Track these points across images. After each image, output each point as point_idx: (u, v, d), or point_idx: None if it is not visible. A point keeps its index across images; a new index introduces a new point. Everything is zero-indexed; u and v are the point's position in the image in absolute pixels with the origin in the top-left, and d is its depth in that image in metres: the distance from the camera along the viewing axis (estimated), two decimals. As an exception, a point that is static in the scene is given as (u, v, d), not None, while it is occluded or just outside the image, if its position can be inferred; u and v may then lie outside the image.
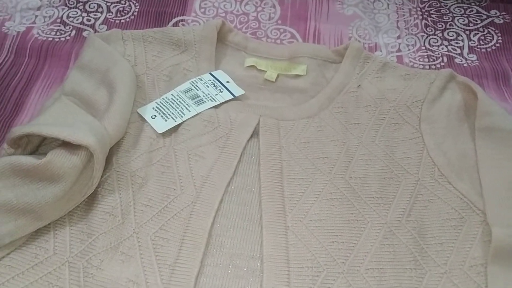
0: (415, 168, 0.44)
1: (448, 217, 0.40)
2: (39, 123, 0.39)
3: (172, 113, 0.47)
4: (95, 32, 0.58)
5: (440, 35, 0.59)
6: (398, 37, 0.60)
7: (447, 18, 0.61)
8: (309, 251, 0.38)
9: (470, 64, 0.56)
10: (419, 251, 0.38)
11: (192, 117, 0.47)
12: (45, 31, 0.58)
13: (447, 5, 0.63)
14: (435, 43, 0.59)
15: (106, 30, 0.59)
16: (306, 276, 0.36)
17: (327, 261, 0.37)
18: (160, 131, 0.45)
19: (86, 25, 0.60)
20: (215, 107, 0.48)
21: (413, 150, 0.45)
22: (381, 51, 0.58)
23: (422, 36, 0.59)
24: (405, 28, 0.61)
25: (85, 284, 0.35)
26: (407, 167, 0.44)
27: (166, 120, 0.46)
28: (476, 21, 0.61)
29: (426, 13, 0.62)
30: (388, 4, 0.64)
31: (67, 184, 0.37)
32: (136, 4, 0.63)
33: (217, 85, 0.50)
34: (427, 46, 0.58)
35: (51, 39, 0.57)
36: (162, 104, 0.48)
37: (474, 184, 0.42)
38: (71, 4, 0.62)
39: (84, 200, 0.40)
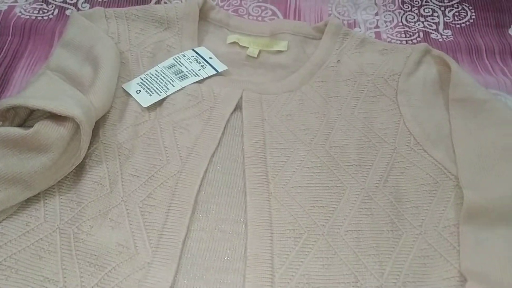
0: (392, 138, 0.46)
1: (423, 182, 0.42)
2: (25, 96, 0.40)
3: (157, 88, 0.48)
4: (78, 11, 0.58)
5: (416, 11, 0.61)
6: (376, 14, 0.61)
7: (423, -5, 0.63)
8: (291, 215, 0.40)
9: (445, 39, 0.58)
10: (396, 214, 0.40)
11: (176, 91, 0.48)
12: (27, 10, 0.58)
13: (423, -17, 0.65)
14: (412, 19, 0.61)
15: (89, 9, 0.59)
16: (288, 238, 0.38)
17: (308, 224, 0.39)
18: (145, 105, 0.46)
19: (68, 3, 0.60)
20: (199, 82, 0.49)
21: (390, 120, 0.47)
22: (359, 27, 0.60)
23: (399, 12, 0.61)
24: (383, 5, 0.62)
25: (76, 248, 0.36)
26: (385, 136, 0.46)
27: (150, 95, 0.47)
28: (451, -2, 0.63)
29: (403, -9, 0.64)
30: (366, -18, 0.65)
31: (55, 154, 0.38)
32: (119, -17, 0.63)
33: (200, 61, 0.51)
34: (404, 22, 0.60)
35: (34, 17, 0.57)
36: (146, 79, 0.49)
37: (448, 152, 0.44)
38: (52, -17, 0.62)
39: (72, 171, 0.41)
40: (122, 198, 0.40)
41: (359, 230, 0.39)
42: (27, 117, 0.43)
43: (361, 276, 0.36)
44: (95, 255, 0.36)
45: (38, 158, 0.37)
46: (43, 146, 0.37)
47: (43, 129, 0.37)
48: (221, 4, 0.62)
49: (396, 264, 0.37)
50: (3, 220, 0.37)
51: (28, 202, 0.39)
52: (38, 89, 0.41)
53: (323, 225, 0.39)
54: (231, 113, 0.47)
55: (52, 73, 0.44)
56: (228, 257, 0.37)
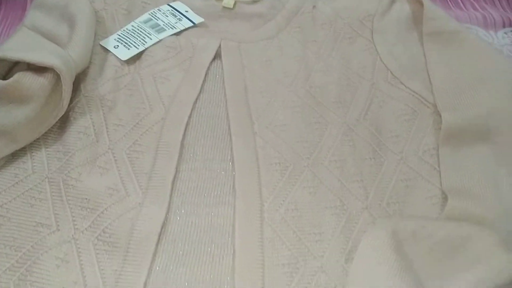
0: (369, 74, 0.47)
1: (402, 113, 0.44)
2: (3, 49, 0.39)
3: (134, 42, 0.48)
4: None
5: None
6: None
7: None
8: (276, 151, 0.41)
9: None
10: (377, 143, 0.42)
11: (154, 44, 0.48)
12: (-4, -23, 0.57)
13: None
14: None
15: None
16: (275, 171, 0.39)
17: (293, 157, 0.40)
18: (124, 58, 0.46)
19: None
20: (176, 34, 0.49)
21: (367, 59, 0.48)
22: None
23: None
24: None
25: (66, 194, 0.37)
26: (363, 74, 0.47)
27: (128, 49, 0.47)
28: None
29: None
30: None
31: (36, 104, 0.38)
32: None
33: (176, 15, 0.51)
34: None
35: (3, -16, 0.56)
36: (124, 35, 0.49)
37: (424, 83, 0.46)
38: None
39: (56, 123, 0.41)
40: (108, 146, 0.40)
41: (342, 160, 0.40)
42: (6, 74, 0.42)
43: (346, 200, 0.37)
44: (86, 199, 0.36)
45: (21, 109, 0.37)
46: (24, 97, 0.38)
47: (23, 79, 0.37)
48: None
49: (380, 188, 0.38)
50: (-9, 174, 0.38)
51: (14, 156, 0.39)
52: (16, 43, 0.41)
53: (308, 157, 0.40)
54: (211, 62, 0.47)
55: (29, 30, 0.44)
56: (217, 192, 0.38)
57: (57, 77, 0.39)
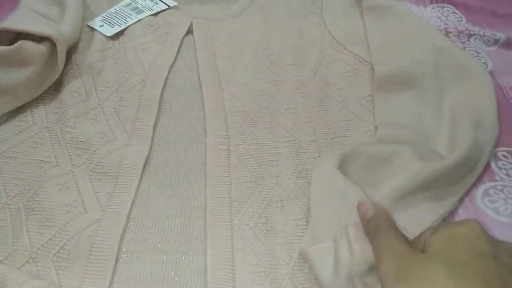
0: (319, 43, 0.56)
1: (345, 71, 0.52)
2: (6, 22, 0.46)
3: (117, 21, 0.56)
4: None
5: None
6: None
7: None
8: (240, 102, 0.48)
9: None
10: (324, 95, 0.50)
11: (134, 23, 0.56)
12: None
13: None
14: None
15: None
16: (239, 117, 0.47)
17: (254, 107, 0.48)
18: (109, 35, 0.54)
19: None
20: (153, 15, 0.57)
21: (317, 31, 0.57)
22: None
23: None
24: None
25: (63, 138, 0.43)
26: (313, 43, 0.56)
27: (112, 27, 0.55)
28: None
29: None
30: None
31: (36, 68, 0.45)
32: None
33: (153, -1, 0.59)
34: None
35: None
36: (108, 16, 0.56)
37: (363, 47, 0.54)
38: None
39: (52, 86, 0.48)
40: (98, 103, 0.47)
41: (295, 108, 0.48)
42: (9, 44, 0.49)
43: (298, 136, 0.45)
44: (81, 141, 0.43)
45: (22, 71, 0.45)
46: (25, 61, 0.45)
47: (25, 45, 0.44)
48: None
49: (326, 127, 0.47)
50: (-4, 126, 0.45)
51: (16, 112, 0.46)
52: (17, 18, 0.48)
53: (267, 106, 0.48)
54: (184, 36, 0.55)
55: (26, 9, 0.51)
56: (192, 134, 0.46)
57: (53, 46, 0.46)
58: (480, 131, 0.43)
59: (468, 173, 0.42)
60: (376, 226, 0.32)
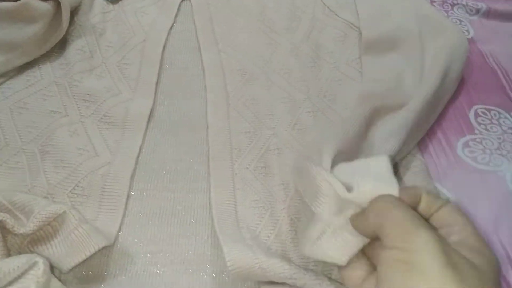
0: (311, 10, 0.59)
1: (336, 35, 0.56)
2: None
3: (117, -14, 0.58)
4: None
5: None
6: None
7: None
8: (237, 62, 0.51)
9: None
10: (317, 56, 0.53)
11: (134, -13, 0.58)
12: None
13: None
14: None
15: None
16: (237, 75, 0.50)
17: (250, 67, 0.51)
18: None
19: None
20: (152, -18, 0.60)
21: (309, 0, 0.60)
22: None
23: None
24: None
25: (71, 91, 0.46)
26: (305, 9, 0.59)
27: (113, -9, 0.57)
28: None
29: None
30: None
31: (42, 24, 0.47)
32: None
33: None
34: None
35: None
36: (108, -19, 0.58)
37: (353, 14, 0.57)
38: None
39: (57, 45, 0.50)
40: (102, 61, 0.50)
41: (289, 69, 0.51)
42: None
43: (293, 93, 0.49)
44: (88, 94, 0.46)
45: (30, 27, 0.46)
46: (32, 17, 0.47)
47: (31, 2, 0.46)
48: None
49: (318, 85, 0.50)
50: (7, 80, 0.46)
51: (24, 68, 0.48)
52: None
53: (262, 67, 0.51)
54: (181, 2, 0.58)
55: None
56: (192, 90, 0.48)
57: (57, 5, 0.48)
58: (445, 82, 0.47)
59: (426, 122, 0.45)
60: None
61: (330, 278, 0.32)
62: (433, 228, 0.27)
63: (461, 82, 0.53)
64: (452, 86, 0.48)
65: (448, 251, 0.25)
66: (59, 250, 0.32)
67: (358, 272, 0.29)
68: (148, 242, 0.36)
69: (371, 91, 0.46)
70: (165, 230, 0.37)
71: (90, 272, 0.34)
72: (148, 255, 0.35)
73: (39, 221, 0.31)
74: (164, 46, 0.52)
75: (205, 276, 0.34)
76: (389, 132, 0.40)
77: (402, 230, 0.26)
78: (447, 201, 0.30)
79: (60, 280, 0.33)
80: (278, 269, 0.31)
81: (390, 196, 0.29)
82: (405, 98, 0.46)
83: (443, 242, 0.25)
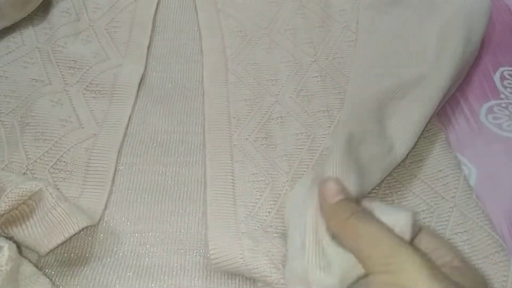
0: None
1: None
2: None
3: None
4: None
5: None
6: None
7: None
8: (237, 22, 0.46)
9: None
10: (326, 16, 0.47)
11: None
12: None
13: None
14: None
15: None
16: (237, 37, 0.45)
17: (252, 27, 0.46)
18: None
19: None
20: None
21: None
22: None
23: None
24: None
25: (55, 58, 0.42)
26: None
27: None
28: None
29: None
30: None
31: (22, -16, 0.43)
32: None
33: None
34: None
35: None
36: None
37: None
38: None
39: (40, 7, 0.45)
40: (89, 24, 0.45)
41: (295, 28, 0.47)
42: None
43: (298, 56, 0.44)
44: (73, 61, 0.42)
45: (8, -13, 0.42)
46: (10, -24, 0.42)
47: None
48: None
49: (327, 47, 0.45)
50: (-16, 47, 0.43)
51: (4, 34, 0.44)
52: None
53: (266, 27, 0.47)
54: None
55: None
56: (187, 53, 0.44)
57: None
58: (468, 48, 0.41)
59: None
60: (353, 211, 0.26)
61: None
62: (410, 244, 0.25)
63: (486, 42, 0.48)
64: (475, 50, 0.43)
65: (434, 266, 0.24)
66: (36, 231, 0.29)
67: None
68: (137, 221, 0.33)
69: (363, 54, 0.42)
70: (155, 207, 0.33)
71: (72, 254, 0.31)
72: (136, 234, 0.32)
73: (12, 200, 0.28)
74: (157, 7, 0.47)
75: (198, 257, 0.31)
76: (409, 122, 0.36)
77: (383, 253, 0.24)
78: (422, 226, 0.28)
79: (39, 263, 0.30)
80: (264, 272, 0.28)
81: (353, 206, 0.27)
82: (417, 63, 0.41)
83: (426, 257, 0.24)
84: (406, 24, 0.43)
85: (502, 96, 0.43)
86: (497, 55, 0.47)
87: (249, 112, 0.39)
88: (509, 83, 0.45)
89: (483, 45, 0.48)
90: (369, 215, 0.26)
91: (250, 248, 0.29)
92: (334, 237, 0.26)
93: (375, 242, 0.24)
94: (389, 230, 0.25)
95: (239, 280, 0.30)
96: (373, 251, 0.24)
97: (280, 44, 0.45)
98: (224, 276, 0.30)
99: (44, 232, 0.29)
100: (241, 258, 0.29)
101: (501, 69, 0.46)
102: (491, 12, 0.45)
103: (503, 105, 0.43)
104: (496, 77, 0.45)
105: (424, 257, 0.24)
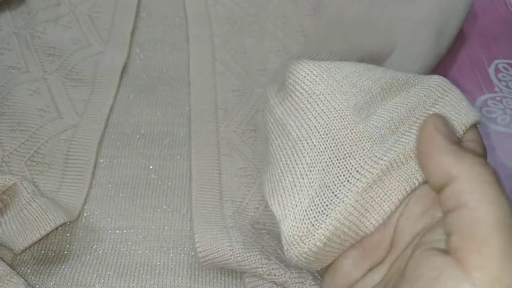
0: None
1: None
2: None
3: None
4: None
5: None
6: None
7: None
8: (225, 8, 0.45)
9: None
10: (317, 2, 0.46)
11: None
12: None
13: None
14: None
15: None
16: (225, 25, 0.43)
17: (241, 15, 0.44)
18: None
19: None
20: None
21: None
22: None
23: None
24: None
25: (33, 44, 0.40)
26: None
27: None
28: None
29: None
30: None
31: (-2, -36, 0.41)
32: None
33: None
34: None
35: None
36: None
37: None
38: None
39: (17, -11, 0.43)
40: (69, 8, 0.43)
41: (285, 16, 0.45)
42: None
43: (288, 45, 0.42)
44: (52, 47, 0.40)
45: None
46: (-16, -44, 0.40)
47: None
48: None
49: (316, 29, 0.43)
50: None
51: (-20, 17, 0.42)
52: None
53: (255, 14, 0.45)
54: None
55: None
56: (173, 41, 0.42)
57: None
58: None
59: None
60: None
61: (314, 277, 0.27)
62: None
63: (480, 34, 0.47)
64: (447, 44, 0.41)
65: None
66: (10, 228, 0.27)
67: (349, 260, 0.24)
68: (118, 217, 0.31)
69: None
70: (137, 202, 0.32)
71: (49, 252, 0.29)
72: (117, 231, 0.30)
73: (-16, 195, 0.26)
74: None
75: (182, 255, 0.30)
76: None
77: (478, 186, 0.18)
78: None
79: (14, 260, 0.29)
80: (255, 263, 0.26)
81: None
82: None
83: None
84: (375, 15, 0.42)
85: (496, 89, 0.43)
86: (492, 47, 0.46)
87: (237, 103, 0.38)
88: (503, 76, 0.44)
89: (478, 36, 0.47)
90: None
91: (239, 240, 0.28)
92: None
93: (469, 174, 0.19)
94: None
95: (225, 279, 0.29)
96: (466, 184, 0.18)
97: (270, 32, 0.43)
98: (210, 275, 0.29)
99: (19, 229, 0.27)
100: (230, 250, 0.27)
101: (496, 61, 0.45)
102: (471, 3, 0.43)
103: (498, 98, 0.42)
104: (491, 70, 0.44)
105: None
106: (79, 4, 0.44)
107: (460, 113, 0.23)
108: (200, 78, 0.39)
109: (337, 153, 0.23)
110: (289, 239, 0.22)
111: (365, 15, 0.42)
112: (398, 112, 0.24)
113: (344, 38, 0.40)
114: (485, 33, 0.47)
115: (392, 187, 0.22)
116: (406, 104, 0.24)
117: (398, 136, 0.23)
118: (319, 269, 0.24)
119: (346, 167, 0.23)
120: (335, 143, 0.24)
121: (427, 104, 0.24)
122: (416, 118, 0.24)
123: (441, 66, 0.42)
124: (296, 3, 0.46)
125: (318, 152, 0.24)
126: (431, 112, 0.23)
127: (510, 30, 0.48)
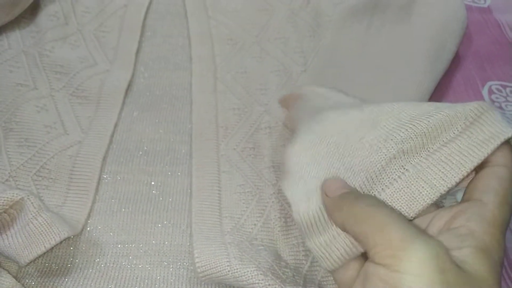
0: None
1: (338, 2, 0.50)
2: None
3: None
4: None
5: None
6: None
7: None
8: (228, 29, 0.46)
9: None
10: (317, 25, 0.48)
11: None
12: None
13: None
14: None
15: None
16: (227, 45, 0.45)
17: (243, 35, 0.46)
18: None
19: None
20: None
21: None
22: None
23: None
24: None
25: (41, 62, 0.41)
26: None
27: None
28: None
29: None
30: None
31: (9, -14, 0.42)
32: None
33: None
34: None
35: None
36: None
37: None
38: None
39: (28, 11, 0.45)
40: (77, 28, 0.45)
41: (286, 37, 0.46)
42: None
43: (288, 66, 0.44)
44: (60, 65, 0.41)
45: (-5, -11, 0.42)
46: (-3, -22, 0.42)
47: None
48: None
49: (317, 56, 0.45)
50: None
51: (-10, 36, 0.43)
52: None
53: (256, 36, 0.46)
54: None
55: None
56: (176, 61, 0.44)
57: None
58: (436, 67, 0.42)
59: None
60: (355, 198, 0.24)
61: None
62: (431, 237, 0.22)
63: (474, 56, 0.48)
64: (444, 68, 0.43)
65: (444, 269, 0.20)
66: (16, 241, 0.28)
67: (351, 272, 0.25)
68: (120, 231, 0.32)
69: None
70: (139, 218, 0.33)
71: (53, 265, 0.30)
72: (119, 245, 0.31)
73: (-8, 209, 0.27)
74: (147, 12, 0.47)
75: (181, 269, 0.31)
76: None
77: (392, 243, 0.20)
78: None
79: (19, 273, 0.29)
80: (252, 279, 0.27)
81: (359, 192, 0.25)
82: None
83: (441, 258, 0.20)
84: (375, 38, 0.44)
85: (489, 110, 0.44)
86: (486, 69, 0.48)
87: (237, 122, 0.39)
88: (496, 98, 0.45)
89: (473, 58, 0.48)
90: (378, 200, 0.24)
91: (237, 256, 0.29)
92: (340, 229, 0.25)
93: (383, 228, 0.21)
94: (402, 216, 0.22)
95: (222, 293, 0.30)
96: (380, 238, 0.21)
97: (270, 53, 0.45)
98: (208, 289, 0.30)
99: (25, 242, 0.28)
100: (228, 266, 0.28)
101: (489, 83, 0.46)
102: (466, 26, 0.45)
103: (491, 119, 0.43)
104: (485, 91, 0.45)
105: (439, 258, 0.20)
106: (86, 23, 0.45)
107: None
108: (201, 97, 0.40)
109: None
110: None
111: (361, 40, 0.43)
112: None
113: (339, 72, 0.41)
114: (479, 55, 0.49)
115: None
116: None
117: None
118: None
119: None
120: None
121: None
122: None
123: (437, 87, 0.43)
124: (295, 25, 0.48)
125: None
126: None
127: (503, 52, 0.49)
